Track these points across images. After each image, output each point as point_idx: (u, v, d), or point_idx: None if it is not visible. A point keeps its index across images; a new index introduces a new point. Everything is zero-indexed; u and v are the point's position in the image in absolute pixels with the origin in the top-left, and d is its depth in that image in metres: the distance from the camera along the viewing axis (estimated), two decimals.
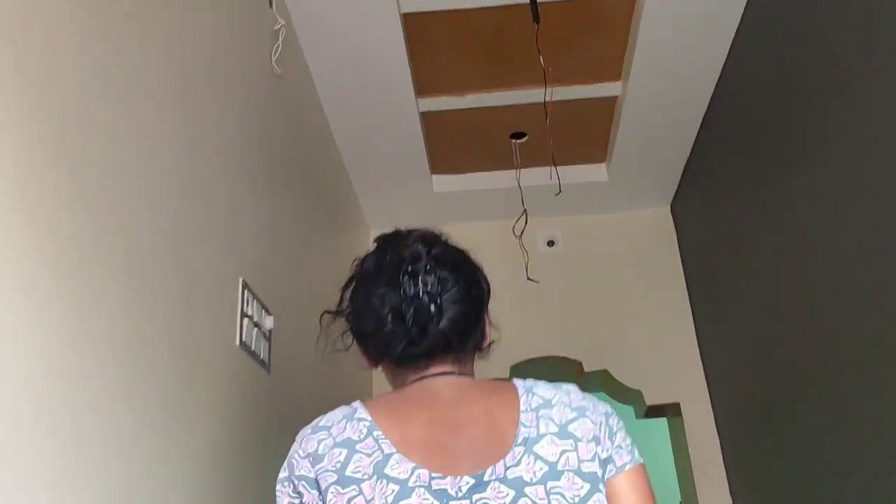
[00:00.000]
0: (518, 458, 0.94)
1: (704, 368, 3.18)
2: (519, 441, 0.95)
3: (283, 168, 2.22)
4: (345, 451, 0.95)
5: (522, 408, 0.99)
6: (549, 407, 0.99)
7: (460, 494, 0.91)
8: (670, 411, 3.21)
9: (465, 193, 3.26)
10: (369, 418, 0.97)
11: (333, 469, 0.94)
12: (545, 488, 0.92)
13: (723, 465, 3.01)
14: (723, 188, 2.87)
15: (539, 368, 3.25)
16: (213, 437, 1.42)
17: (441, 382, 1.04)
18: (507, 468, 0.93)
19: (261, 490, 1.57)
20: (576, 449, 0.96)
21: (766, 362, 2.57)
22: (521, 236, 2.97)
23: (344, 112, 2.76)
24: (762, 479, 2.68)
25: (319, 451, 0.96)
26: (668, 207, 3.50)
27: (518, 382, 1.04)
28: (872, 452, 1.90)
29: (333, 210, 2.93)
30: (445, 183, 3.26)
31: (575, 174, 3.24)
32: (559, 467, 0.94)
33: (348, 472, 0.93)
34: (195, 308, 1.39)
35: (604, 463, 0.98)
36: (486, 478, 0.92)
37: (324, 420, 1.00)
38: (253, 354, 1.65)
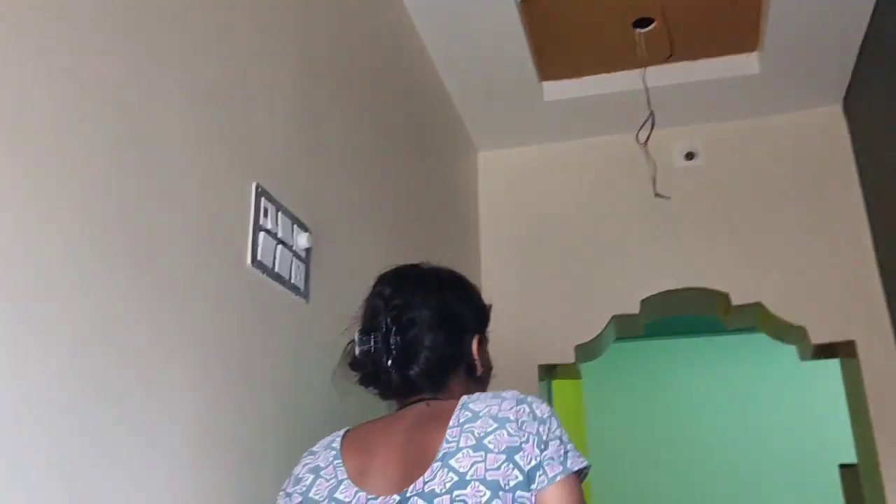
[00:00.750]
0: (434, 472, 1.00)
1: (887, 298, 2.56)
2: (438, 457, 1.02)
3: (361, 81, 1.90)
4: (311, 477, 1.09)
5: (451, 424, 1.04)
6: (474, 420, 1.03)
7: None
8: (843, 351, 2.63)
9: (581, 101, 2.79)
10: (337, 448, 1.11)
11: (301, 492, 1.08)
12: (451, 497, 0.97)
13: None
14: None
15: (674, 303, 2.77)
16: (213, 365, 1.14)
17: (413, 411, 1.12)
18: (424, 483, 1.00)
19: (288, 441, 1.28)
20: (485, 460, 0.99)
21: None
22: (646, 143, 2.48)
23: (433, 14, 2.37)
24: None
25: (300, 475, 1.11)
26: (840, 105, 2.84)
27: (462, 399, 1.08)
28: None
29: (430, 130, 2.58)
30: (557, 90, 2.80)
31: (718, 67, 2.67)
32: (467, 477, 0.99)
33: (311, 494, 1.07)
34: (184, 216, 1.10)
35: (530, 472, 0.99)
36: (408, 494, 1.00)
37: (316, 446, 1.15)
38: (277, 277, 1.34)
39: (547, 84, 2.80)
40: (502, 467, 0.99)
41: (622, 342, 4.92)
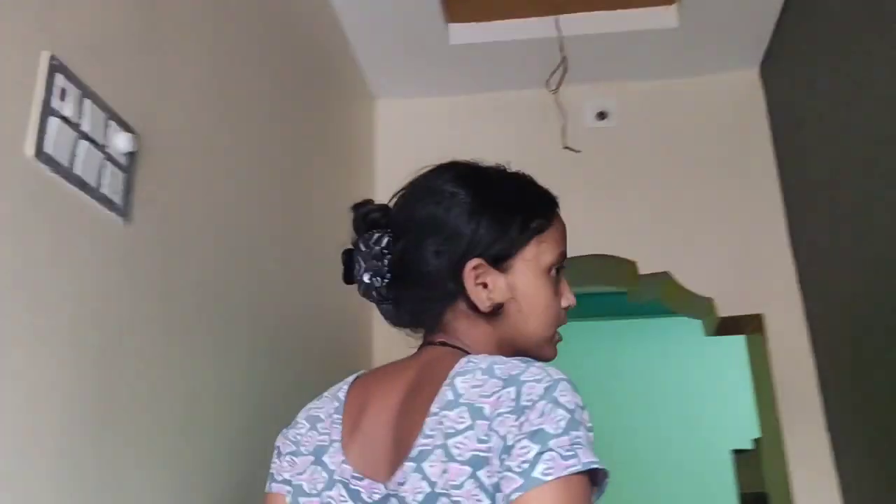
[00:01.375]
0: (406, 475, 0.83)
1: (798, 270, 2.45)
2: (413, 455, 0.83)
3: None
4: (307, 426, 0.97)
5: (433, 408, 0.84)
6: (451, 408, 0.82)
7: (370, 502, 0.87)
8: (750, 325, 2.50)
9: (489, 47, 2.55)
10: (342, 399, 0.97)
11: (293, 439, 0.97)
12: None
13: (818, 394, 2.31)
14: (832, 41, 2.09)
15: (581, 272, 2.57)
16: None
17: (423, 358, 0.95)
18: (399, 484, 0.83)
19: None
20: (450, 472, 0.80)
21: (881, 261, 1.84)
22: (557, 90, 2.27)
23: None
24: (868, 410, 1.98)
25: (298, 419, 1.00)
26: (757, 69, 2.71)
27: (457, 366, 0.86)
28: None
29: (317, 68, 2.28)
30: (465, 34, 2.55)
31: (636, 19, 2.48)
32: (437, 490, 0.79)
33: (301, 447, 0.95)
34: None
35: (491, 489, 0.77)
36: (390, 489, 0.85)
37: (327, 391, 1.01)
38: (78, 181, 1.03)
39: (453, 26, 2.55)
40: (466, 485, 0.78)
41: None
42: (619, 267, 2.57)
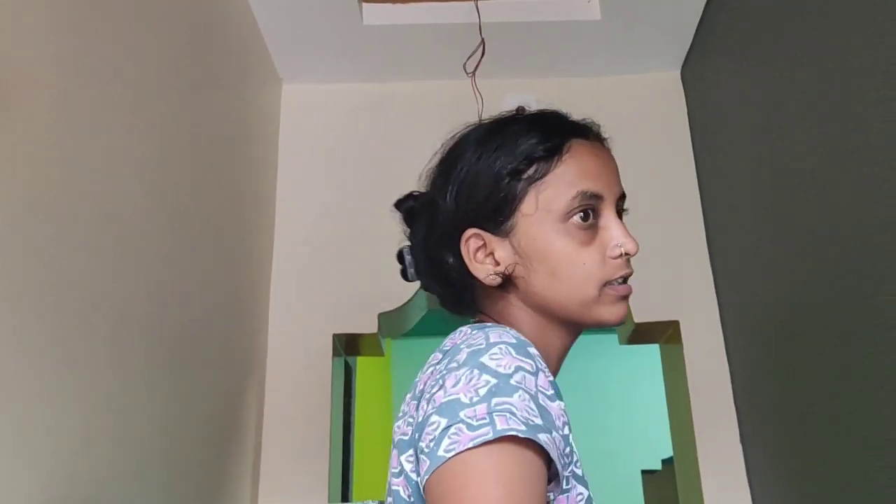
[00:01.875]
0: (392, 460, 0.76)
1: (715, 278, 2.38)
2: (395, 441, 0.76)
3: None
4: None
5: (419, 386, 0.75)
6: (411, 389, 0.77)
7: None
8: (665, 333, 2.41)
9: (404, 30, 2.40)
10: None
11: None
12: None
13: (733, 406, 2.23)
14: (755, 47, 2.04)
15: None
16: None
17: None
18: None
19: None
20: (391, 458, 0.75)
21: (800, 269, 1.77)
22: (475, 73, 2.14)
23: None
24: (782, 422, 1.91)
25: None
26: (679, 71, 2.65)
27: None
28: None
29: (217, 46, 2.07)
30: (379, 14, 2.39)
31: (558, 8, 2.38)
32: (390, 478, 0.74)
33: None
34: None
35: (414, 475, 0.70)
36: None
37: None
38: None
39: (367, 6, 2.39)
40: (402, 473, 0.73)
41: (440, 326, 4.61)
42: None
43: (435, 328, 3.45)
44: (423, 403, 0.68)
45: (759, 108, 2.00)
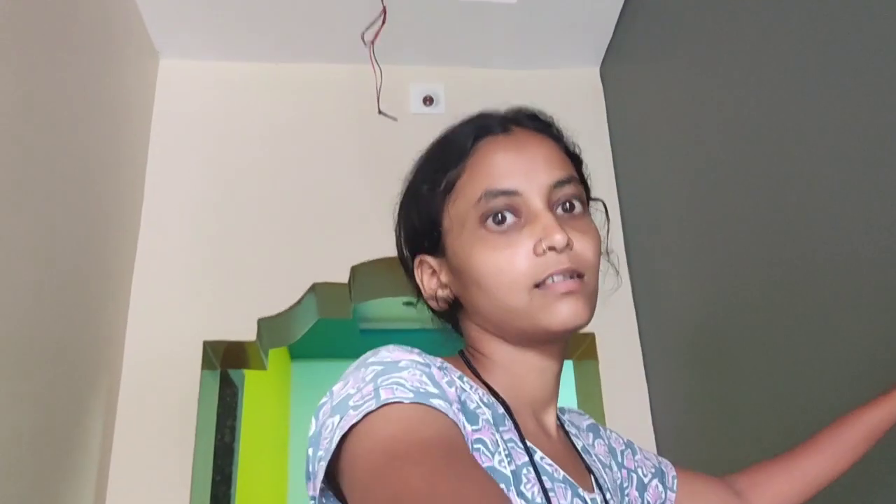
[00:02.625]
0: None
1: (633, 286, 2.18)
2: None
3: None
4: None
5: None
6: None
7: None
8: (579, 348, 2.20)
9: (298, 1, 2.13)
10: None
11: None
12: None
13: (650, 421, 2.03)
14: (672, 47, 1.89)
15: (383, 275, 2.16)
16: None
17: None
18: None
19: None
20: None
21: (720, 279, 1.60)
22: (373, 43, 1.88)
23: None
24: (704, 442, 1.71)
25: None
26: (598, 68, 2.48)
27: None
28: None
29: (88, 16, 1.75)
30: None
31: None
32: None
33: None
34: None
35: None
36: None
37: None
38: None
39: None
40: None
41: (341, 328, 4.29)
42: None
43: (346, 349, 3.09)
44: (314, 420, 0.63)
45: (677, 109, 1.86)
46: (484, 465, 0.63)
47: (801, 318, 1.33)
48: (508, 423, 0.69)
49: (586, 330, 2.13)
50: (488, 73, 2.42)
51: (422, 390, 0.57)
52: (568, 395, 2.26)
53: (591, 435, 0.87)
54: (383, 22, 1.88)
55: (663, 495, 0.87)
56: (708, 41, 1.67)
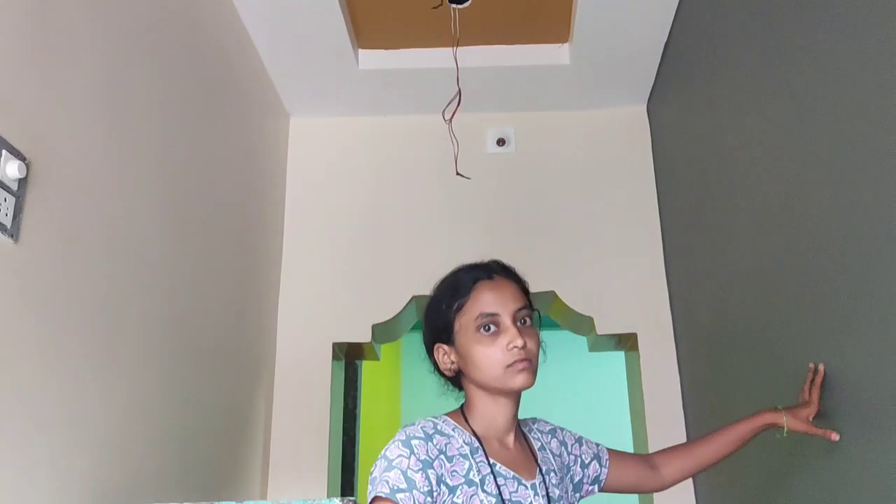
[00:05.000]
0: None
1: (670, 295, 2.68)
2: None
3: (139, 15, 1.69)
4: None
5: None
6: None
7: None
8: (626, 343, 2.72)
9: (395, 73, 2.71)
10: None
11: None
12: None
13: (681, 407, 2.54)
14: (706, 85, 2.31)
15: None
16: None
17: None
18: None
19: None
20: None
21: (741, 293, 2.06)
22: (451, 121, 2.44)
23: None
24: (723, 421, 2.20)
25: None
26: (645, 105, 2.94)
27: None
28: (854, 395, 1.40)
29: (231, 88, 2.40)
30: (373, 59, 2.71)
31: (530, 55, 2.68)
32: None
33: None
34: None
35: None
36: None
37: None
38: None
39: (363, 52, 2.70)
40: None
41: None
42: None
43: None
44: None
45: (709, 139, 2.24)
46: (465, 477, 1.19)
47: (800, 317, 1.80)
48: (480, 451, 1.24)
49: (629, 330, 2.65)
50: (549, 116, 2.93)
51: (395, 487, 1.12)
52: (620, 382, 2.78)
53: (549, 436, 1.41)
54: (458, 102, 2.43)
55: (599, 471, 1.42)
56: (744, 72, 1.94)
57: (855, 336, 1.38)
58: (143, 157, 1.75)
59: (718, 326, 2.23)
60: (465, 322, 1.27)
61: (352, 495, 3.03)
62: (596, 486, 1.42)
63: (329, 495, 2.55)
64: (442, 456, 1.19)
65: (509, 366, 1.24)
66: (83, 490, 1.43)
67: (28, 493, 1.27)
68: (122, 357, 1.62)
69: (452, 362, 1.31)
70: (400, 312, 2.73)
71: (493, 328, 1.25)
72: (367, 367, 3.87)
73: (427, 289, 2.69)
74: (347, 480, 3.27)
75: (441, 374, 1.35)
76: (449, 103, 2.44)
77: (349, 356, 2.89)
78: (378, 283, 2.76)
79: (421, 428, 1.21)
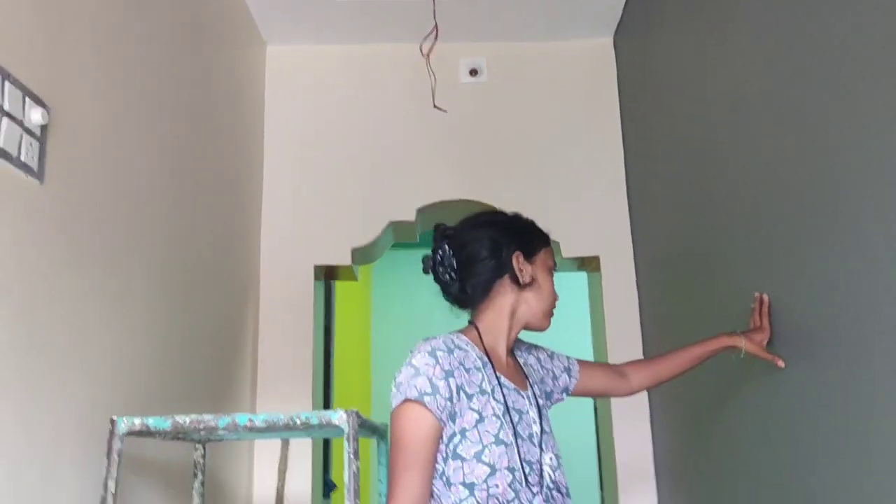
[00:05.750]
0: None
1: (631, 222, 2.87)
2: None
3: None
4: None
5: None
6: None
7: None
8: (589, 265, 2.92)
9: (372, 2, 2.77)
10: None
11: None
12: None
13: (639, 325, 2.77)
14: (671, 19, 2.42)
15: (448, 213, 2.90)
16: None
17: None
18: None
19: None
20: None
21: (695, 220, 2.24)
22: (429, 55, 2.54)
23: None
24: (676, 340, 2.43)
25: None
26: (612, 38, 3.05)
27: None
28: (815, 315, 1.61)
29: (209, 17, 2.44)
30: None
31: None
32: None
33: None
34: None
35: None
36: None
37: None
38: (2, 153, 1.25)
39: None
40: None
41: (406, 249, 5.09)
42: (480, 210, 2.91)
43: (409, 244, 3.79)
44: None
45: (675, 72, 2.36)
46: (479, 387, 1.36)
47: (747, 246, 1.99)
48: (489, 365, 1.40)
49: (593, 253, 2.84)
50: (521, 47, 3.03)
51: (423, 391, 1.29)
52: (582, 302, 2.99)
53: (528, 354, 1.60)
54: (436, 38, 2.51)
55: (568, 381, 1.62)
56: (717, 11, 1.99)
57: (794, 267, 1.58)
58: (133, 95, 1.84)
59: (674, 251, 2.43)
60: (546, 257, 1.50)
61: (329, 406, 3.25)
62: (564, 394, 1.63)
63: (314, 408, 2.75)
64: (461, 367, 1.35)
65: (551, 309, 1.51)
66: (93, 404, 1.59)
67: (38, 410, 1.42)
68: (130, 285, 1.75)
69: (527, 273, 1.46)
70: (378, 237, 2.87)
71: (551, 275, 1.52)
72: (339, 287, 4.05)
73: (404, 214, 2.85)
74: (325, 393, 3.49)
75: (477, 278, 1.46)
76: (426, 37, 2.53)
77: (328, 277, 3.04)
78: (356, 209, 2.90)
79: (443, 342, 1.37)
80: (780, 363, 1.60)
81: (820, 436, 1.50)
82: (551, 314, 1.50)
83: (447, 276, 1.47)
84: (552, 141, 2.96)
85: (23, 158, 1.31)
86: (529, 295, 1.45)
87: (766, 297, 1.68)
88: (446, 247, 1.47)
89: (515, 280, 1.44)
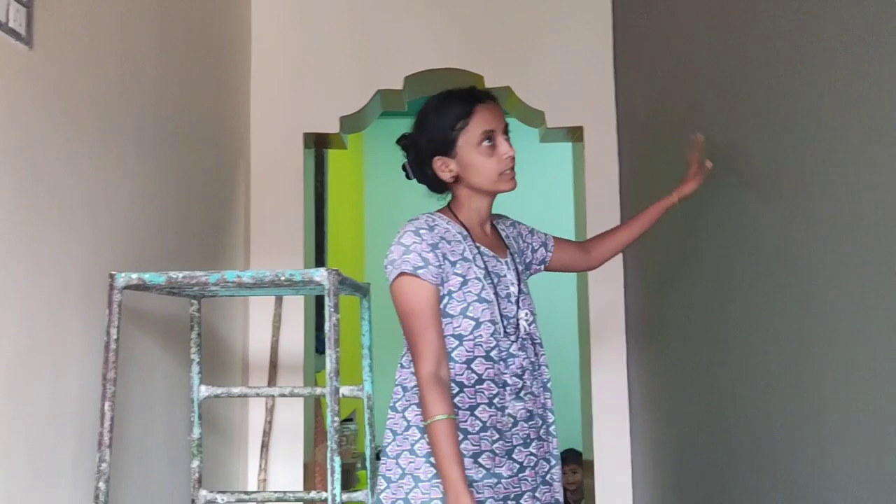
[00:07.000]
0: None
1: (616, 92, 2.90)
2: None
3: None
4: None
5: None
6: None
7: None
8: (573, 135, 2.98)
9: None
10: None
11: None
12: None
13: (618, 192, 2.86)
14: None
15: (436, 82, 2.93)
16: None
17: None
18: None
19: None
20: None
21: (675, 90, 2.29)
22: None
23: None
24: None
25: None
26: None
27: None
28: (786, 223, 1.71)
29: None
30: None
31: None
32: None
33: None
34: None
35: None
36: None
37: None
38: None
39: None
40: None
41: (396, 118, 5.11)
42: (470, 80, 2.93)
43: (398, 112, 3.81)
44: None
45: None
46: (461, 255, 1.52)
47: (719, 105, 2.07)
48: (469, 237, 1.57)
49: (577, 123, 2.90)
50: None
51: (416, 265, 1.46)
52: (567, 172, 3.08)
53: (511, 228, 1.73)
54: None
55: (545, 255, 1.76)
56: None
57: (763, 118, 1.66)
58: None
59: (654, 121, 2.49)
60: (468, 138, 1.54)
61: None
62: (542, 266, 1.78)
63: (305, 268, 2.89)
64: (443, 240, 1.53)
65: (502, 173, 1.56)
66: (95, 260, 1.71)
67: (46, 265, 1.54)
68: (124, 147, 1.83)
69: (451, 170, 1.57)
70: (366, 105, 2.91)
71: (489, 142, 1.55)
72: (332, 156, 4.12)
73: (392, 83, 2.89)
74: (319, 257, 3.64)
75: (429, 180, 1.62)
76: None
77: (318, 145, 3.10)
78: (345, 77, 2.92)
79: (424, 221, 1.55)
80: (708, 164, 1.84)
81: (769, 293, 1.64)
82: (506, 175, 1.56)
83: (414, 179, 1.65)
84: (541, 11, 2.94)
85: (11, 24, 1.35)
86: (469, 177, 1.55)
87: (700, 137, 1.83)
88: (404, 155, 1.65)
89: (456, 178, 1.57)
